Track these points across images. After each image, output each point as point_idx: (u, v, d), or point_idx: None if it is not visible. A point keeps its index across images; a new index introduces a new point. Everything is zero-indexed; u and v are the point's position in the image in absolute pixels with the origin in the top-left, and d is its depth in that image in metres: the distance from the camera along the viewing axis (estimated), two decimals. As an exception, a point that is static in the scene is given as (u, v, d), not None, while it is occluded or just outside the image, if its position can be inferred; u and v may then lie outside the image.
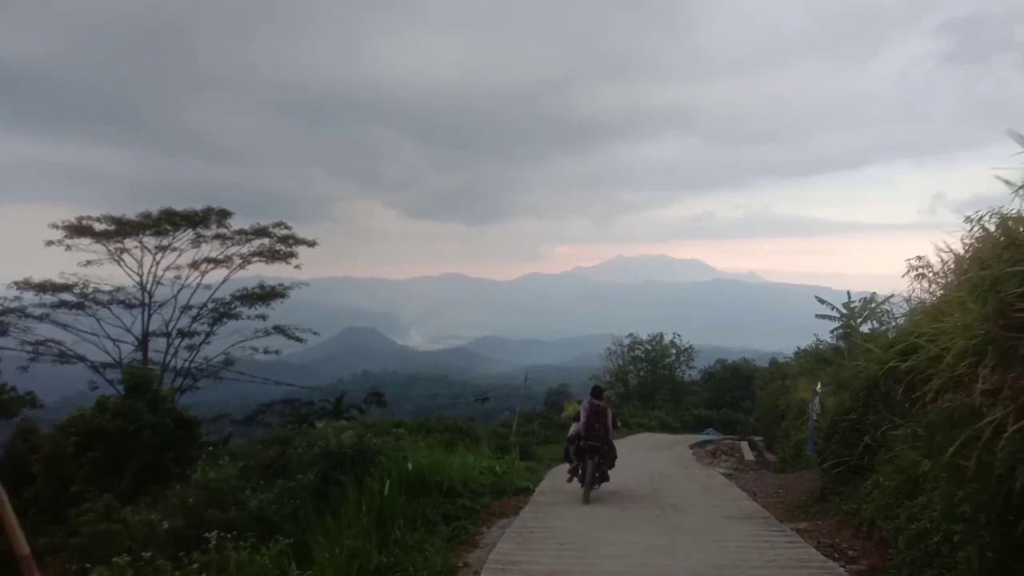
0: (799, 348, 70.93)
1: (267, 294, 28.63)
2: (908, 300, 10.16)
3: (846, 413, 9.17)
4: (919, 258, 10.73)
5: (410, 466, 9.21)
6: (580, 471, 11.39)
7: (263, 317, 29.26)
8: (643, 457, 19.21)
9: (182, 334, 27.38)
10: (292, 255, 28.73)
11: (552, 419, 29.01)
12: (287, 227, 28.53)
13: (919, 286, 10.15)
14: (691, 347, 46.09)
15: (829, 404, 10.58)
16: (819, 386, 12.99)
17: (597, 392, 12.52)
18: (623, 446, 22.65)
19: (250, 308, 28.46)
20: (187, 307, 27.69)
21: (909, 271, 10.72)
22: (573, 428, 12.38)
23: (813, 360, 25.84)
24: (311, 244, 29.59)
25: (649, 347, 45.35)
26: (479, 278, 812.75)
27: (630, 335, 46.33)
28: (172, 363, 27.10)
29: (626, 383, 44.92)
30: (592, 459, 11.26)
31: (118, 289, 26.47)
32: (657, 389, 44.58)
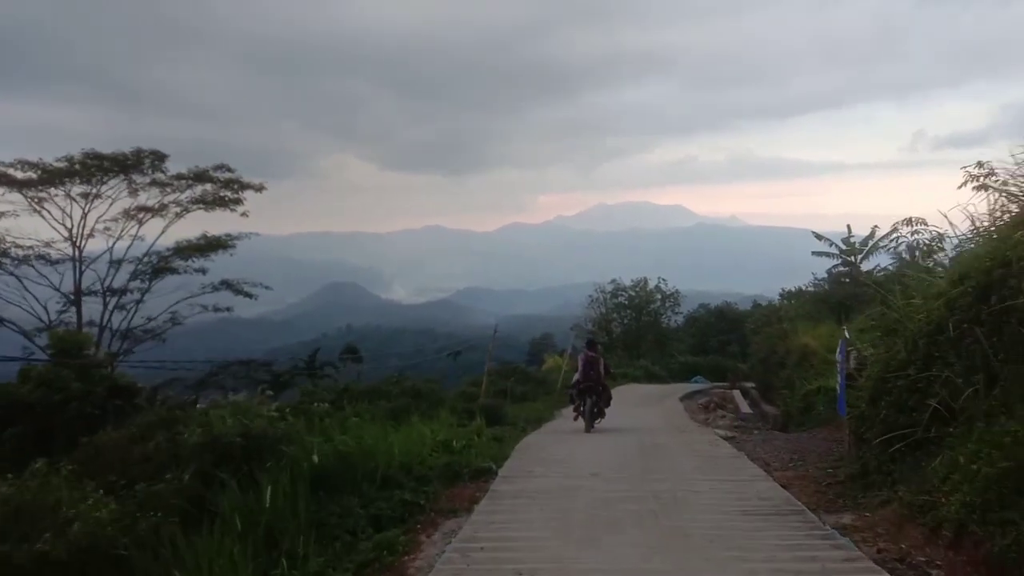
0: (784, 290, 69.27)
1: (206, 245, 25.81)
2: (971, 220, 7.84)
3: (901, 368, 6.94)
4: (980, 164, 8.45)
5: (315, 458, 6.88)
6: (581, 408, 14.22)
7: (203, 271, 26.49)
8: (630, 416, 17.10)
9: (115, 292, 24.69)
10: (238, 201, 25.91)
11: (530, 374, 26.84)
12: (229, 170, 25.64)
13: (983, 201, 7.88)
14: (677, 292, 44.05)
15: (874, 355, 8.29)
16: (846, 332, 10.70)
17: (591, 344, 15.66)
18: (607, 402, 20.46)
19: (187, 261, 25.72)
20: (120, 261, 24.95)
21: (967, 181, 8.44)
22: (575, 376, 14.89)
23: (812, 302, 23.78)
24: (258, 189, 26.73)
25: (633, 293, 43.27)
26: (460, 230, 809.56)
27: (612, 281, 44.21)
28: (110, 324, 24.55)
29: (609, 332, 42.95)
30: (590, 398, 14.16)
31: (47, 244, 23.74)
32: (642, 337, 42.68)
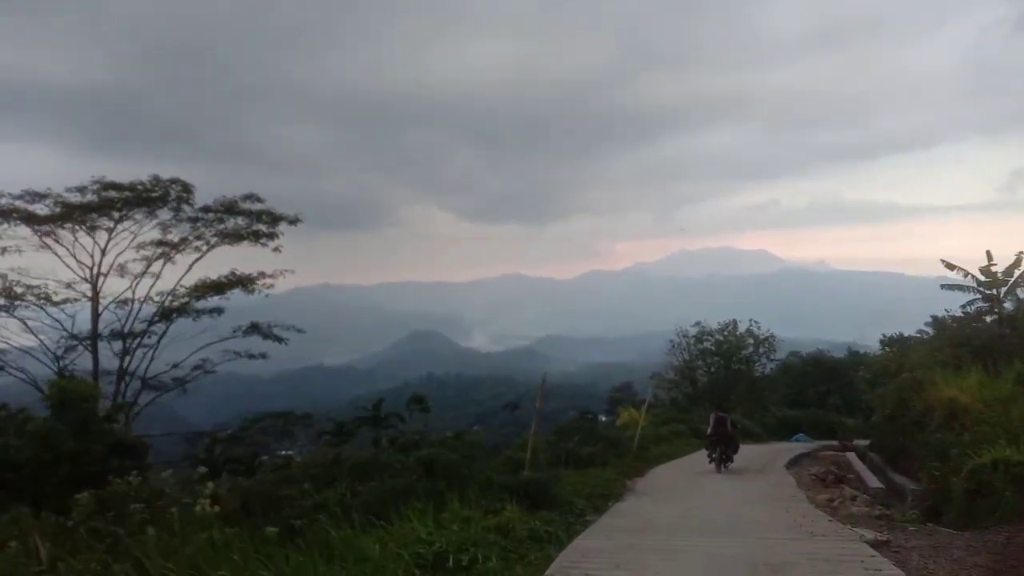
0: (884, 335, 62.72)
1: (226, 284, 23.35)
2: None
3: None
4: None
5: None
6: (713, 456, 18.04)
7: (218, 311, 23.94)
8: (728, 498, 13.11)
9: (132, 335, 22.47)
10: (273, 236, 23.52)
11: (598, 431, 22.77)
12: (259, 200, 23.33)
13: None
14: (772, 336, 39.24)
15: None
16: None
17: (719, 407, 21.03)
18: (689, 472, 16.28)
19: (203, 301, 23.25)
20: (140, 301, 22.81)
21: None
22: (708, 430, 18.69)
23: (950, 346, 19.17)
24: (293, 221, 24.27)
25: (721, 338, 38.67)
26: (539, 277, 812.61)
27: (697, 324, 39.76)
28: (127, 371, 22.34)
29: (694, 380, 38.63)
30: (720, 447, 18.03)
31: (67, 285, 21.87)
32: (732, 387, 38.07)
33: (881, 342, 67.21)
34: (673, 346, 39.17)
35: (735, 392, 37.80)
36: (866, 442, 27.65)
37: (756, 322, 39.32)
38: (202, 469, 11.09)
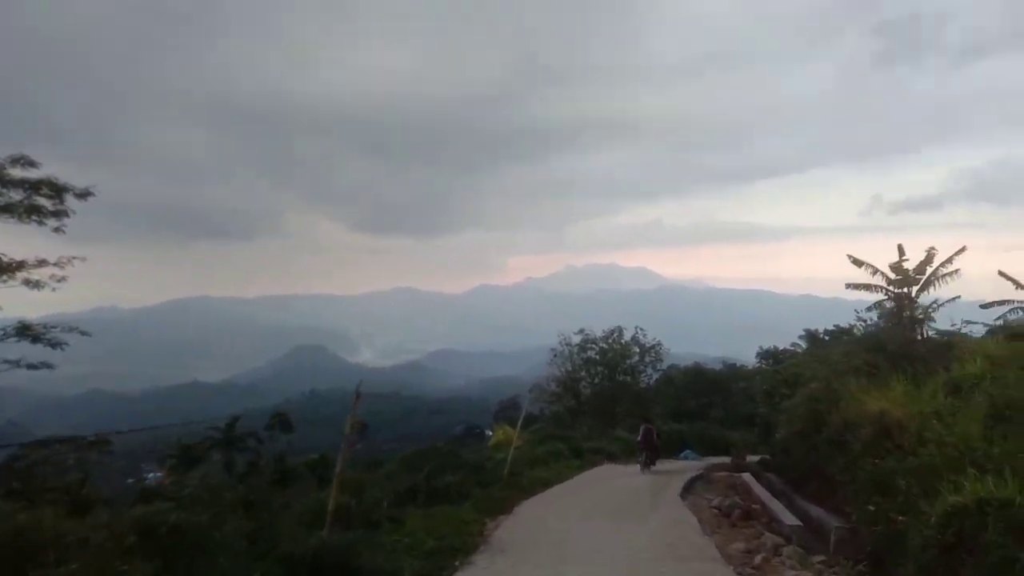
0: (761, 348, 62.30)
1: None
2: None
3: None
4: None
5: None
6: (641, 459, 21.21)
7: None
8: (611, 554, 9.63)
9: None
10: (61, 213, 18.27)
11: (460, 457, 18.85)
12: (32, 164, 18.14)
13: None
14: (659, 344, 37.01)
15: None
16: None
17: (647, 419, 23.61)
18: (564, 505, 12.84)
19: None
20: None
21: None
22: (637, 439, 22.38)
23: (863, 350, 16.77)
24: (83, 195, 19.18)
25: (605, 346, 35.85)
26: (431, 291, 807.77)
27: (581, 331, 36.67)
28: None
29: (577, 393, 35.91)
30: (647, 452, 21.29)
31: None
32: (617, 399, 35.53)
33: (758, 355, 67.80)
34: (555, 356, 36.19)
35: (620, 405, 35.22)
36: (757, 458, 25.48)
37: (642, 330, 37.00)
38: None
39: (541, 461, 20.69)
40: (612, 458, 24.56)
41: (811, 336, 67.07)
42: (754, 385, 52.20)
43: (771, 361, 65.82)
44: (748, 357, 72.41)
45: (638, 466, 21.03)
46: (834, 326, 63.99)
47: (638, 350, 35.87)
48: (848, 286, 18.98)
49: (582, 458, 22.92)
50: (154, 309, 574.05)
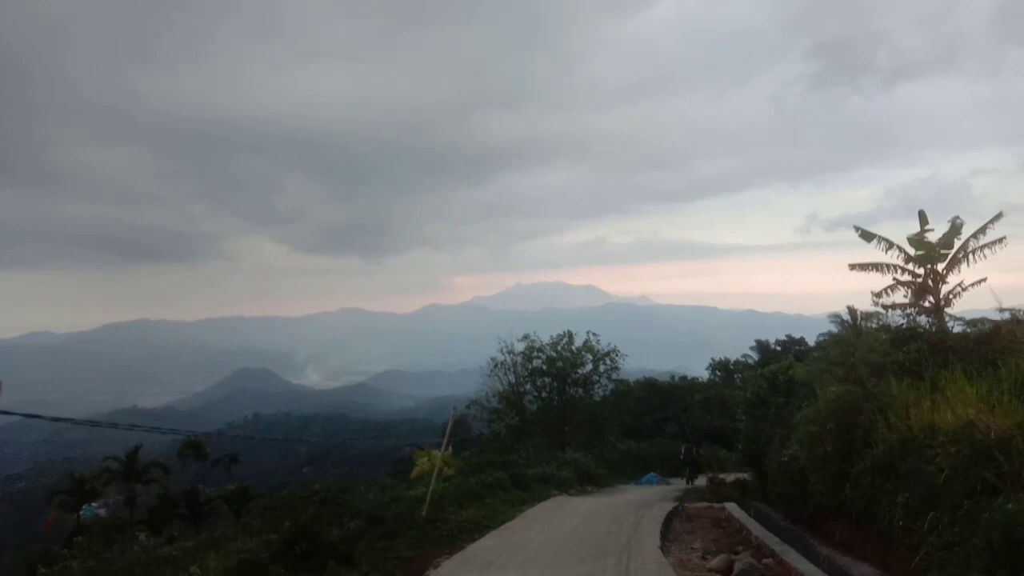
0: (714, 359, 59.14)
1: None
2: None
3: None
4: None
5: None
6: (686, 472, 24.98)
7: None
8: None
9: None
10: None
11: (348, 504, 13.81)
12: None
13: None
14: (615, 350, 32.47)
15: None
16: None
17: (686, 439, 28.19)
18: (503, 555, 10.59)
19: None
20: None
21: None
22: (681, 456, 26.14)
23: (890, 343, 12.84)
24: None
25: (554, 354, 31.00)
26: (378, 312, 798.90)
27: (525, 337, 31.79)
28: None
29: (521, 409, 31.35)
30: (689, 468, 25.14)
31: None
32: (567, 416, 31.29)
33: (709, 367, 65.18)
34: (496, 365, 31.50)
35: (570, 423, 30.87)
36: (731, 477, 21.68)
37: (595, 335, 32.56)
38: None
39: (474, 496, 16.27)
40: (564, 487, 20.17)
41: (762, 347, 65.12)
42: (726, 395, 49.23)
43: (723, 373, 63.76)
44: (695, 372, 70.11)
45: (683, 480, 24.87)
46: (786, 336, 62.45)
47: (591, 357, 31.57)
48: (852, 267, 15.30)
49: (527, 489, 18.55)
50: (91, 334, 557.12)
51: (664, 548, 10.39)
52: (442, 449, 16.18)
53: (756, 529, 12.11)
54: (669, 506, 15.31)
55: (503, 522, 13.73)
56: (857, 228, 14.76)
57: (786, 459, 11.90)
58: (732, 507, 15.36)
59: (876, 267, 14.67)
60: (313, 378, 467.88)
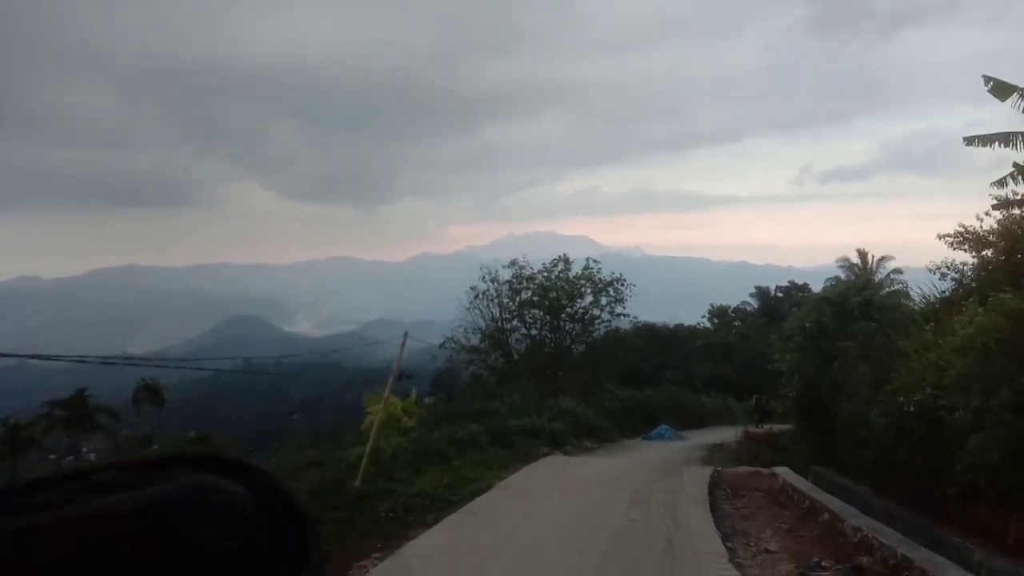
0: (713, 305, 55.49)
1: None
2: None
3: None
4: None
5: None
6: (755, 420, 23.97)
7: None
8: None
9: None
10: None
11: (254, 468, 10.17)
12: None
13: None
14: (620, 280, 27.30)
15: None
16: None
17: (758, 391, 25.71)
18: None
19: None
20: None
21: None
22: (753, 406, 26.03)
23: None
24: None
25: (547, 282, 25.95)
26: (369, 260, 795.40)
27: (512, 263, 26.87)
28: None
29: (507, 351, 26.65)
30: (758, 415, 24.06)
31: None
32: (561, 358, 27.13)
33: (709, 313, 61.81)
34: (477, 296, 26.51)
35: (564, 366, 26.44)
36: (781, 427, 17.85)
37: (596, 261, 27.64)
38: None
39: (438, 455, 12.10)
40: (558, 443, 15.90)
41: (762, 294, 61.82)
42: (729, 341, 45.19)
43: (719, 320, 60.53)
44: (690, 323, 66.92)
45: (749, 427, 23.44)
46: (788, 282, 59.24)
47: (591, 288, 26.60)
48: (970, 141, 10.84)
49: (510, 446, 14.36)
50: (79, 279, 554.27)
51: (726, 540, 6.20)
52: (386, 389, 11.93)
53: (851, 515, 7.96)
54: (700, 472, 11.20)
55: (472, 495, 9.55)
56: (988, 79, 10.38)
57: (892, 411, 7.69)
58: (786, 473, 11.31)
59: (1005, 140, 10.28)
60: (304, 326, 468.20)
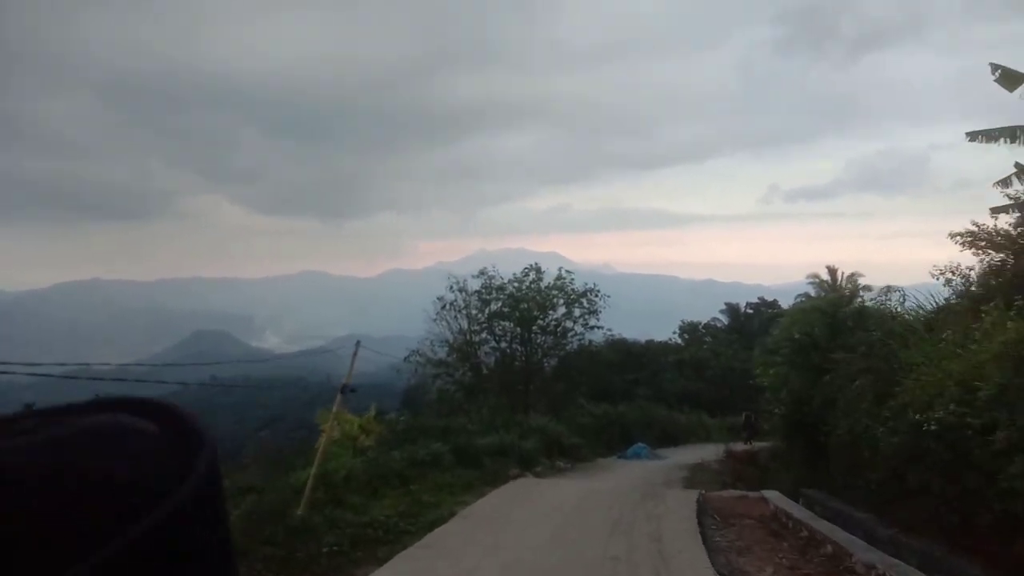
0: (684, 321, 55.42)
1: None
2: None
3: None
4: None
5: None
6: (744, 436, 24.70)
7: None
8: None
9: None
10: None
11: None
12: None
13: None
14: (596, 289, 26.47)
15: None
16: None
17: (748, 409, 25.54)
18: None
19: None
20: None
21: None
22: (743, 422, 26.39)
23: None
24: None
25: (517, 292, 24.91)
26: (340, 275, 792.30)
27: (481, 272, 25.74)
28: None
29: (476, 364, 25.43)
30: (747, 431, 24.66)
31: None
32: (533, 373, 25.77)
33: (680, 329, 61.54)
34: (444, 307, 25.36)
35: (535, 382, 25.31)
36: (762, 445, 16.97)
37: (568, 272, 26.60)
38: None
39: (396, 478, 10.97)
40: (528, 463, 14.78)
41: (732, 311, 61.83)
42: (700, 357, 44.82)
43: (690, 336, 60.36)
44: (660, 339, 66.79)
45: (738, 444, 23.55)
46: (758, 299, 59.43)
47: (563, 299, 25.58)
48: (974, 136, 10.09)
49: (478, 466, 13.25)
50: (42, 292, 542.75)
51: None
52: (335, 404, 10.79)
53: (860, 549, 7.01)
54: (684, 496, 10.21)
55: (431, 525, 8.43)
56: (996, 67, 9.68)
57: (904, 429, 6.78)
58: (776, 498, 10.36)
59: (1011, 135, 9.55)
60: (272, 341, 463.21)
